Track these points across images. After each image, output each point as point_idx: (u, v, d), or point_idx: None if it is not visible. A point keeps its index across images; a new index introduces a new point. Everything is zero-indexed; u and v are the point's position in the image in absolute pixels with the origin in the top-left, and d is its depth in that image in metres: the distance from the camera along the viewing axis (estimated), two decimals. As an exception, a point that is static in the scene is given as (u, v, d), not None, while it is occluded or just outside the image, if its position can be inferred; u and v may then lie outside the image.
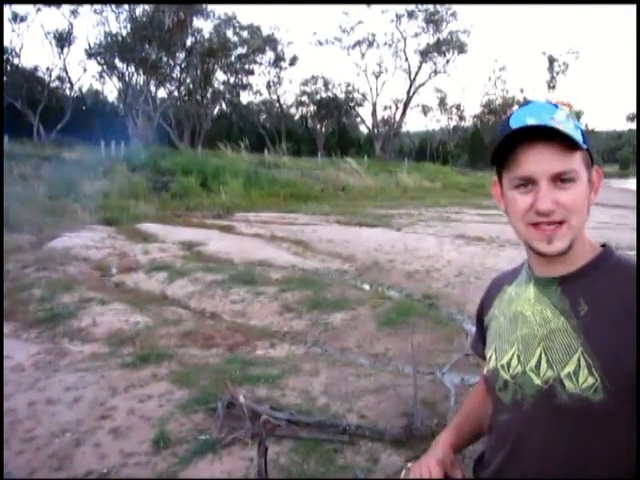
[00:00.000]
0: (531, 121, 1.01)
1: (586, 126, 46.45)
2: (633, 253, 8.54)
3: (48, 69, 33.34)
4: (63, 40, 31.10)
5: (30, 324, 5.80)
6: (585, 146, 1.02)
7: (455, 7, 34.82)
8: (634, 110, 43.86)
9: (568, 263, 1.07)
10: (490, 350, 1.19)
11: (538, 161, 1.01)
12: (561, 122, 1.01)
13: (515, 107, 1.10)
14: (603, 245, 1.12)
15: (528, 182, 1.02)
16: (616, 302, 1.01)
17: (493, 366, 1.16)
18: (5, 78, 26.57)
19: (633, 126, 49.17)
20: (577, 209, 1.02)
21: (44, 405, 3.85)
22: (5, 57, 26.96)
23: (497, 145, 1.04)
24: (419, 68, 37.73)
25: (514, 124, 1.03)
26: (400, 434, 3.33)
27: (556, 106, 1.05)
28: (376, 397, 3.93)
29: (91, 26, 47.58)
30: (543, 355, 1.06)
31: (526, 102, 1.08)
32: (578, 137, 1.01)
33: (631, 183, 44.99)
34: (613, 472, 1.01)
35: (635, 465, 1.00)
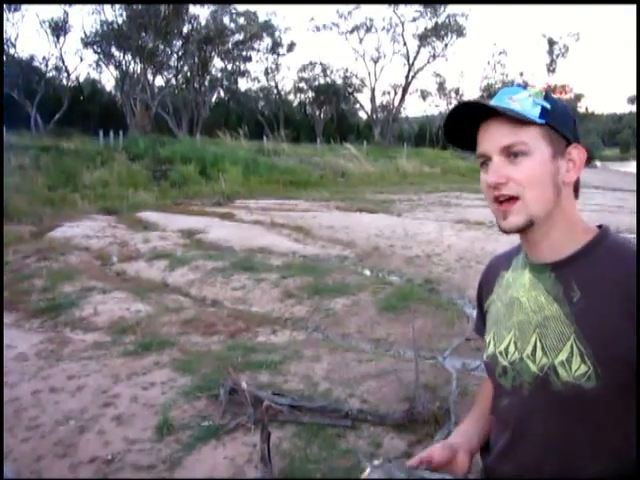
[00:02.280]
0: (492, 103, 1.05)
1: (586, 109, 46.16)
2: (632, 236, 8.53)
3: (44, 58, 32.96)
4: (59, 29, 30.77)
5: (32, 314, 5.82)
6: (541, 120, 1.03)
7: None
8: (634, 93, 43.62)
9: (560, 248, 1.06)
10: (489, 335, 1.19)
11: (489, 137, 1.05)
12: (518, 100, 1.04)
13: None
14: (600, 226, 1.10)
15: (486, 159, 1.05)
16: (609, 286, 0.99)
17: (492, 352, 1.16)
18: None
19: (634, 109, 48.94)
20: (531, 184, 1.02)
21: (48, 393, 3.87)
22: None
23: (444, 124, 1.11)
24: (417, 53, 37.40)
25: None
26: (402, 418, 3.35)
27: (525, 87, 1.07)
28: (378, 382, 3.96)
29: (86, 14, 47.11)
30: (538, 342, 1.06)
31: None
32: (532, 113, 1.03)
33: (631, 166, 44.91)
34: (610, 457, 1.01)
35: (632, 449, 1.00)
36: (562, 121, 1.06)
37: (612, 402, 0.99)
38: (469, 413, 1.35)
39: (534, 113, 1.03)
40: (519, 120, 1.02)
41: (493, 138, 1.04)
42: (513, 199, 1.02)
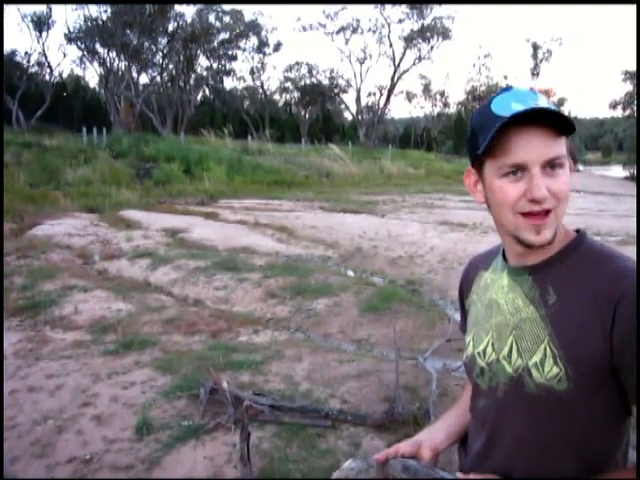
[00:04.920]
0: (518, 106, 0.98)
1: (569, 113, 46.63)
2: (613, 239, 8.65)
3: (27, 54, 32.65)
4: (41, 24, 30.48)
5: (12, 312, 5.75)
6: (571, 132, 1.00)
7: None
8: (617, 98, 44.11)
9: (541, 251, 1.06)
10: (469, 336, 1.20)
11: (530, 147, 0.98)
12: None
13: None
14: (577, 230, 1.11)
15: (518, 169, 0.99)
16: (584, 290, 1.01)
17: (471, 353, 1.17)
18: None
19: (615, 114, 49.46)
20: (565, 197, 1.01)
21: (26, 393, 3.83)
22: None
23: (494, 132, 0.98)
24: (403, 54, 37.51)
25: (499, 110, 1.00)
26: (382, 419, 3.36)
27: (535, 93, 1.03)
28: (358, 382, 3.97)
29: (70, 10, 46.59)
30: (514, 344, 1.07)
31: (506, 88, 1.05)
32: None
33: (612, 170, 45.48)
34: (583, 457, 1.03)
35: (602, 449, 1.03)
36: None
37: (583, 403, 1.00)
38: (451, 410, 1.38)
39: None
40: (558, 131, 0.98)
41: (537, 149, 0.97)
42: (547, 212, 1.00)
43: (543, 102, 1.00)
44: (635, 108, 37.75)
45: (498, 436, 1.11)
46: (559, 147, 0.99)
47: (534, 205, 0.98)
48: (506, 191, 1.00)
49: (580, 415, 1.01)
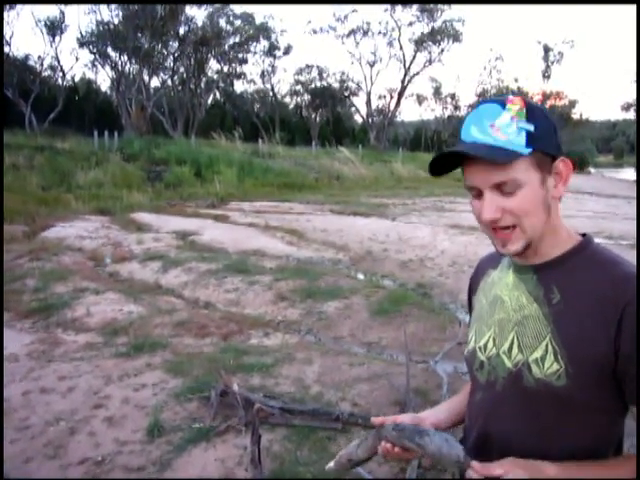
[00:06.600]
0: (475, 132, 1.03)
1: (580, 115, 46.32)
2: (625, 243, 8.59)
3: (40, 58, 32.87)
4: (54, 28, 30.70)
5: (24, 314, 5.79)
6: (528, 150, 1.00)
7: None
8: (629, 100, 43.81)
9: (544, 253, 1.09)
10: (471, 331, 1.23)
11: (478, 173, 1.03)
12: (501, 128, 1.01)
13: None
14: (583, 235, 1.13)
15: (476, 190, 1.06)
16: (588, 293, 1.03)
17: (472, 347, 1.20)
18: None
19: (627, 116, 49.17)
20: (525, 213, 1.03)
21: (38, 394, 3.86)
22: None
23: (430, 165, 1.10)
24: (414, 57, 37.44)
25: (462, 133, 1.06)
26: (393, 422, 3.36)
27: (503, 106, 1.03)
28: (369, 385, 3.97)
29: (82, 14, 46.89)
30: (515, 340, 1.10)
31: (479, 103, 1.07)
32: (518, 142, 1.00)
33: (624, 173, 45.18)
34: (575, 453, 1.05)
35: (596, 446, 1.06)
36: (547, 140, 1.04)
37: (580, 401, 1.03)
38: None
39: (520, 142, 1.00)
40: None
41: (483, 175, 1.02)
42: (512, 227, 1.04)
43: (504, 119, 1.02)
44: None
45: (491, 428, 1.13)
46: (507, 171, 1.01)
47: (490, 222, 1.05)
48: (474, 206, 1.08)
49: (575, 411, 1.04)
